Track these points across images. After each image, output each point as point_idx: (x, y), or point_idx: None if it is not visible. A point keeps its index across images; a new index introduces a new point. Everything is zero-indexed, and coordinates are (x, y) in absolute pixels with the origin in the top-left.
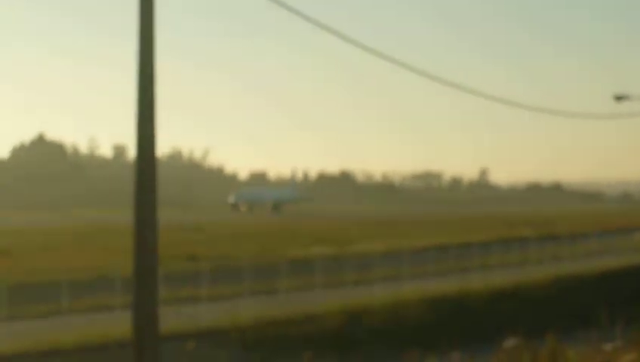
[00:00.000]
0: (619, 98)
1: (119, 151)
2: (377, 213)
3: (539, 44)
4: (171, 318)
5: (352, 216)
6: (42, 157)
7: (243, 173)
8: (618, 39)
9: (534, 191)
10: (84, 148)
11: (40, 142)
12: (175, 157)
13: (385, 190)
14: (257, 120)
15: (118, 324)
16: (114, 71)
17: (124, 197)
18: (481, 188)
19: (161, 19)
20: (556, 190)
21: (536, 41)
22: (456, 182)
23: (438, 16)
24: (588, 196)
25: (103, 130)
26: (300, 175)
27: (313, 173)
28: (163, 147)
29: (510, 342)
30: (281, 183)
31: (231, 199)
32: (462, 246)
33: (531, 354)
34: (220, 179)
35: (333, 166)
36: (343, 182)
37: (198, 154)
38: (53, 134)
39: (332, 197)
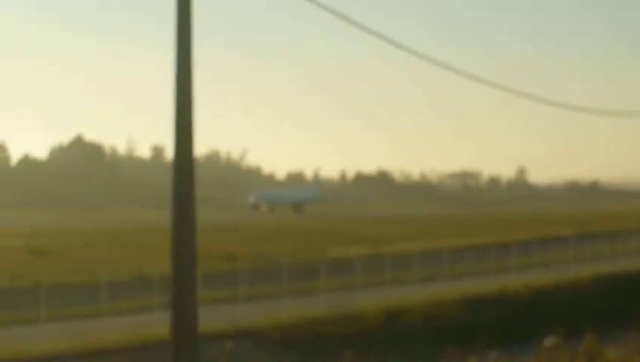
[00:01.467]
0: None
1: (157, 152)
2: (413, 212)
3: (587, 42)
4: (210, 318)
5: (382, 215)
6: (80, 158)
7: (280, 174)
8: None
9: (572, 190)
10: (122, 149)
11: (78, 143)
12: (213, 158)
13: (423, 189)
14: (294, 120)
15: (156, 325)
16: (152, 72)
17: (162, 198)
18: (519, 187)
19: (198, 21)
20: (594, 189)
21: (585, 38)
22: (494, 182)
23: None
24: (626, 194)
25: (141, 131)
26: (336, 175)
27: (351, 173)
28: (200, 148)
29: (549, 342)
30: (319, 182)
31: (251, 199)
32: (500, 246)
33: (570, 353)
34: (257, 179)
35: (370, 166)
36: (381, 181)
37: (235, 155)
38: (91, 135)
39: (369, 197)
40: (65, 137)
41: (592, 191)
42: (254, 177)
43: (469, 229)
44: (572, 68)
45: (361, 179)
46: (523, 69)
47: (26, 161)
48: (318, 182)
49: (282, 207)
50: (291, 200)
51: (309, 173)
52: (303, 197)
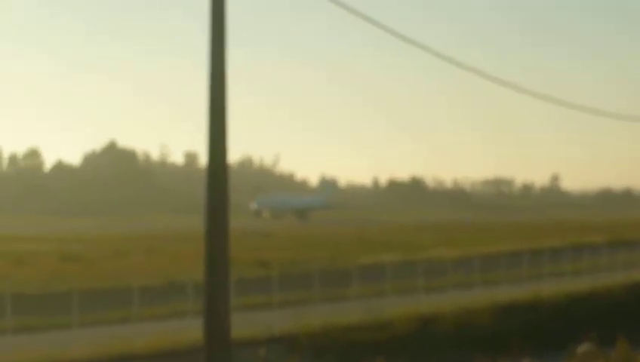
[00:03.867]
0: None
1: (190, 158)
2: (436, 219)
3: (621, 48)
4: (242, 324)
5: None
6: (113, 164)
7: (314, 180)
8: None
9: (605, 197)
10: (155, 155)
11: (112, 149)
12: (245, 164)
13: (456, 196)
14: (328, 126)
15: (189, 330)
16: (186, 78)
17: (195, 204)
18: (553, 194)
19: (233, 27)
20: (627, 196)
21: (619, 44)
22: (527, 189)
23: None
24: None
25: (175, 137)
26: (369, 182)
27: (384, 180)
28: (234, 154)
29: (582, 349)
30: (351, 189)
31: (253, 205)
32: (533, 253)
33: (603, 360)
34: (290, 185)
35: (403, 172)
36: (414, 188)
37: (268, 161)
38: (125, 142)
39: (401, 203)
40: (98, 143)
41: (624, 198)
42: (287, 183)
43: (501, 236)
44: (606, 74)
45: (393, 186)
46: (556, 76)
47: (60, 167)
48: (331, 186)
49: (286, 214)
50: (295, 206)
51: (342, 180)
52: (308, 203)
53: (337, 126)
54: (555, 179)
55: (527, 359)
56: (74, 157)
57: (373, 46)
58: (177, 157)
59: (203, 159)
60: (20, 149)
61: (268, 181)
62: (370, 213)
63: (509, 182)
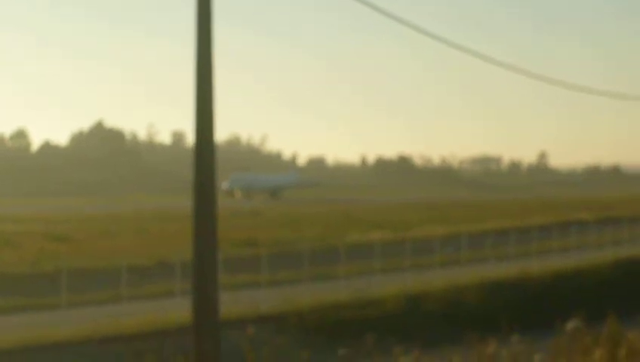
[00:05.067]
0: None
1: (178, 137)
2: (425, 197)
3: (610, 27)
4: (231, 304)
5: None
6: (101, 143)
7: (302, 159)
8: None
9: (593, 174)
10: (143, 135)
11: (99, 129)
12: (233, 143)
13: (443, 174)
14: (315, 105)
15: (178, 310)
16: (172, 58)
17: (183, 183)
18: (540, 172)
19: (219, 7)
20: (615, 173)
21: (603, 22)
22: (515, 166)
23: None
24: None
25: (162, 117)
26: (357, 160)
27: (371, 159)
28: (221, 133)
29: (571, 326)
30: (339, 168)
31: (224, 185)
32: (521, 231)
33: (592, 337)
34: (278, 164)
35: (391, 151)
36: (402, 166)
37: (256, 140)
38: (112, 122)
39: (390, 181)
40: (85, 123)
41: (612, 175)
42: (275, 162)
43: (489, 214)
44: (594, 52)
45: (381, 164)
46: (544, 54)
47: (47, 148)
48: (295, 166)
49: (258, 193)
50: (268, 186)
51: (330, 159)
52: (280, 182)
53: (325, 105)
54: (542, 156)
55: (516, 336)
56: (61, 137)
57: (359, 25)
58: (165, 137)
59: (190, 138)
60: (7, 130)
61: (255, 160)
62: (356, 191)
63: (496, 160)
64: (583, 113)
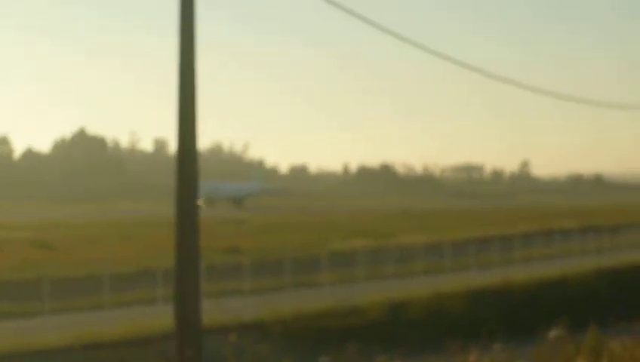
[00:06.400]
0: None
1: (160, 145)
2: (407, 205)
3: (575, 35)
4: (213, 311)
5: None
6: (83, 151)
7: (283, 167)
8: None
9: (575, 182)
10: (125, 142)
11: (81, 136)
12: (215, 151)
13: (426, 183)
14: (298, 113)
15: (160, 317)
16: (155, 65)
17: (165, 191)
18: (523, 180)
19: (202, 15)
20: (597, 182)
21: (573, 33)
22: (497, 175)
23: (468, 5)
24: (630, 188)
25: (144, 124)
26: (339, 168)
27: (354, 167)
28: (203, 141)
29: (553, 334)
30: (322, 176)
31: None
32: (503, 239)
33: (574, 345)
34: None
35: (373, 159)
36: (384, 175)
37: (238, 148)
38: (94, 129)
39: (372, 189)
40: (68, 131)
41: (595, 184)
42: (256, 170)
43: (472, 222)
44: (575, 60)
45: (363, 172)
46: (527, 62)
47: (29, 155)
48: (262, 174)
49: (221, 202)
50: (231, 194)
51: (312, 167)
52: (244, 190)
53: (308, 113)
54: (525, 165)
55: (499, 344)
56: (43, 144)
57: (346, 30)
58: (147, 144)
59: (172, 146)
60: None
61: (237, 168)
62: (336, 199)
63: (479, 169)
64: (565, 122)
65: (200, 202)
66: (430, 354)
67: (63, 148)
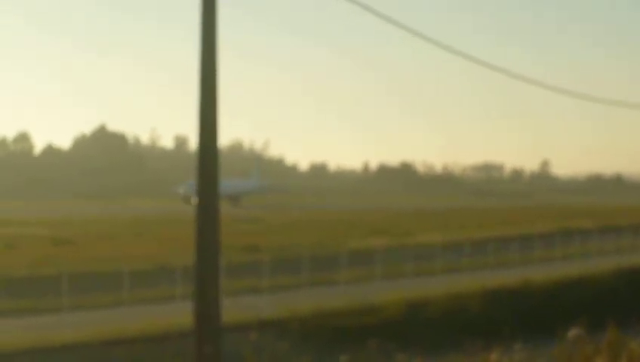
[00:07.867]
0: None
1: (180, 142)
2: (427, 204)
3: (595, 35)
4: (232, 309)
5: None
6: (103, 148)
7: (303, 164)
8: None
9: (595, 182)
10: (145, 139)
11: (101, 133)
12: (236, 149)
13: (445, 182)
14: (318, 111)
15: (179, 314)
16: (176, 63)
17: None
18: (542, 179)
19: (223, 13)
20: (617, 181)
21: (593, 33)
22: (517, 174)
23: (489, 5)
24: None
25: (165, 121)
26: (359, 167)
27: (374, 165)
28: (224, 138)
29: (573, 333)
30: (341, 174)
31: (180, 190)
32: (523, 238)
33: (594, 345)
34: (280, 170)
35: (393, 158)
36: (404, 173)
37: (258, 146)
38: (114, 125)
39: (392, 188)
40: (88, 127)
41: (615, 184)
42: (277, 168)
43: (491, 221)
44: (596, 60)
45: (383, 171)
46: (548, 61)
47: (50, 151)
48: (257, 171)
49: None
50: (227, 191)
51: (332, 165)
52: (241, 188)
53: (328, 111)
54: (545, 164)
55: (518, 344)
56: (64, 140)
57: (364, 28)
58: (167, 141)
59: (193, 143)
60: (10, 133)
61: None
62: (356, 197)
63: (498, 168)
64: (585, 122)
65: (194, 200)
66: (449, 353)
67: (83, 144)
